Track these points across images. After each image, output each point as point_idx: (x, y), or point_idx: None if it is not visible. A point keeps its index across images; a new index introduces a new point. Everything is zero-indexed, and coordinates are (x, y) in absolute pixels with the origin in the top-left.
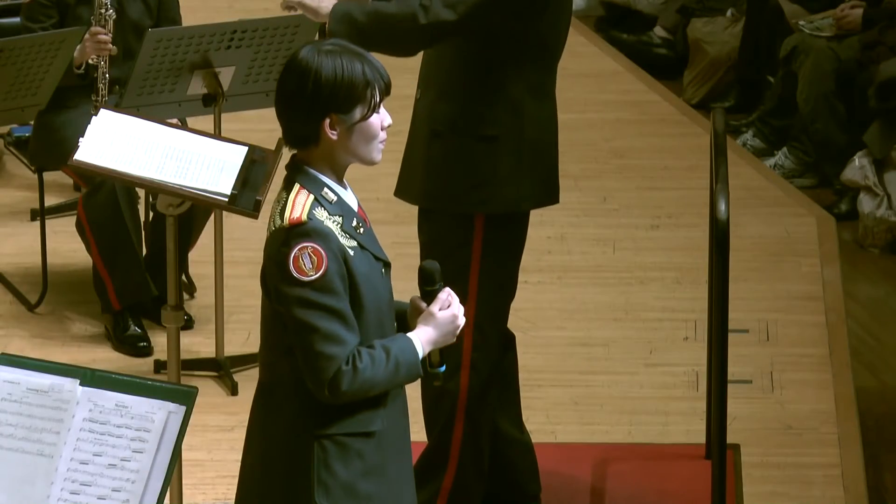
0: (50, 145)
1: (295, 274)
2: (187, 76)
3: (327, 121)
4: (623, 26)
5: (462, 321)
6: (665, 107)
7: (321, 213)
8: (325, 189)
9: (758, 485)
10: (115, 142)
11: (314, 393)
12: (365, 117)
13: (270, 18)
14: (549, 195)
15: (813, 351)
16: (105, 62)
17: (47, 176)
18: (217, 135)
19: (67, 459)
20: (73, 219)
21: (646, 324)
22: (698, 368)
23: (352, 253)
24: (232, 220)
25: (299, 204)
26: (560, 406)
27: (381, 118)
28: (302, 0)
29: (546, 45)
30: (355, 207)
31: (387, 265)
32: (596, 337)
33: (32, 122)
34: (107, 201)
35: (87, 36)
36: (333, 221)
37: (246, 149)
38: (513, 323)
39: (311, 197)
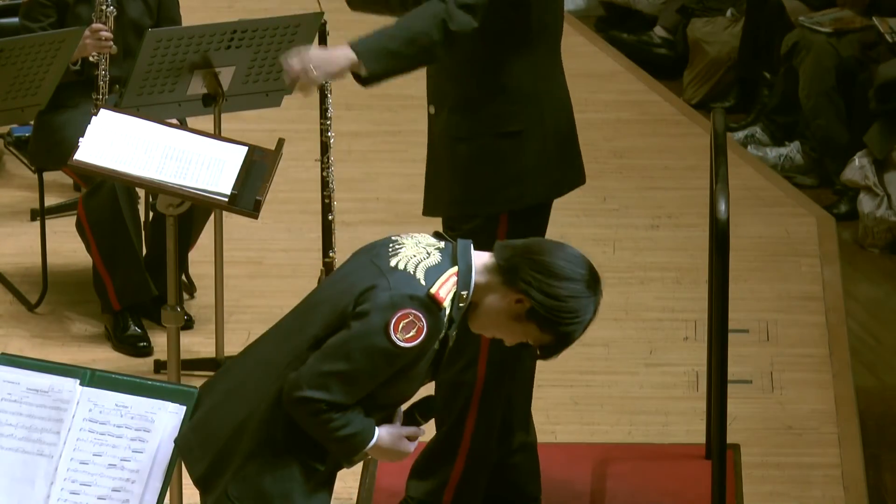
0: (50, 145)
1: (391, 324)
2: (187, 76)
3: (524, 306)
4: (623, 26)
5: (404, 459)
6: (665, 107)
7: (447, 308)
8: (466, 293)
9: (758, 485)
10: (115, 142)
11: (287, 386)
12: (539, 339)
13: (270, 18)
14: (578, 175)
15: (813, 351)
16: (105, 60)
17: (47, 176)
18: (217, 135)
19: (67, 459)
20: (73, 219)
21: (646, 324)
22: (698, 368)
23: (428, 354)
24: (232, 220)
25: (447, 287)
26: (560, 406)
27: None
28: (311, 63)
29: (546, 27)
30: (459, 322)
31: (434, 378)
32: (596, 337)
33: (32, 122)
34: (107, 201)
35: (87, 33)
36: (447, 321)
37: (246, 149)
38: None
39: (455, 290)
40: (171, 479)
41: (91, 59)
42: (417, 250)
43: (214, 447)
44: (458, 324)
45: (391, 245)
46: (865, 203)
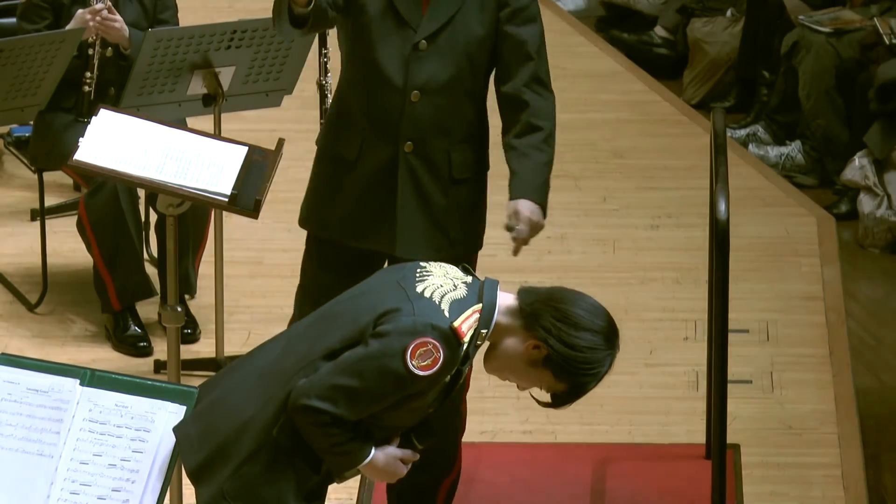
0: (50, 145)
1: (409, 350)
2: (187, 76)
3: (541, 352)
4: (623, 26)
5: (393, 480)
6: (665, 107)
7: (466, 342)
8: (486, 331)
9: (758, 485)
10: (115, 142)
11: (295, 392)
12: (553, 387)
13: (270, 18)
14: None
15: (813, 351)
16: (94, 66)
17: (47, 176)
18: (217, 135)
19: (67, 459)
20: (74, 219)
21: (646, 324)
22: (698, 368)
23: (440, 385)
24: (232, 220)
25: (469, 323)
26: None
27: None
28: (536, 216)
29: None
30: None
31: (436, 410)
32: None
33: (32, 123)
34: (108, 201)
35: (87, 16)
36: (461, 355)
37: (246, 149)
38: None
39: (476, 327)
40: (171, 479)
41: (90, 40)
42: (445, 281)
43: (214, 440)
44: (471, 361)
45: (419, 271)
46: (865, 203)
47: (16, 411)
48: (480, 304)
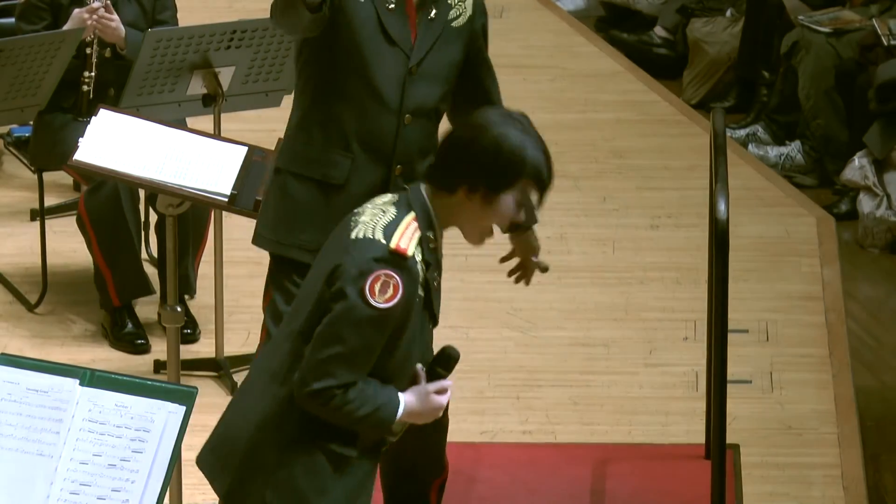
0: (50, 145)
1: (367, 290)
2: (187, 76)
3: (479, 188)
4: (623, 26)
5: (440, 414)
6: (665, 107)
7: (418, 254)
8: (431, 233)
9: (758, 485)
10: (115, 142)
11: (295, 386)
12: (517, 203)
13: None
14: None
15: (812, 351)
16: (93, 65)
17: (47, 176)
18: (217, 135)
19: (67, 459)
20: (73, 219)
21: (646, 324)
22: (698, 368)
23: (417, 301)
24: (232, 220)
25: (408, 236)
26: (560, 406)
27: (518, 214)
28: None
29: None
30: (440, 260)
31: (435, 324)
32: (596, 337)
33: (32, 122)
34: (109, 198)
35: (85, 15)
36: (422, 266)
37: (246, 149)
38: (513, 323)
39: (419, 234)
40: (170, 479)
41: (87, 39)
42: (373, 214)
43: (234, 463)
44: (438, 264)
45: (352, 220)
46: (865, 203)
47: (15, 411)
48: (413, 213)
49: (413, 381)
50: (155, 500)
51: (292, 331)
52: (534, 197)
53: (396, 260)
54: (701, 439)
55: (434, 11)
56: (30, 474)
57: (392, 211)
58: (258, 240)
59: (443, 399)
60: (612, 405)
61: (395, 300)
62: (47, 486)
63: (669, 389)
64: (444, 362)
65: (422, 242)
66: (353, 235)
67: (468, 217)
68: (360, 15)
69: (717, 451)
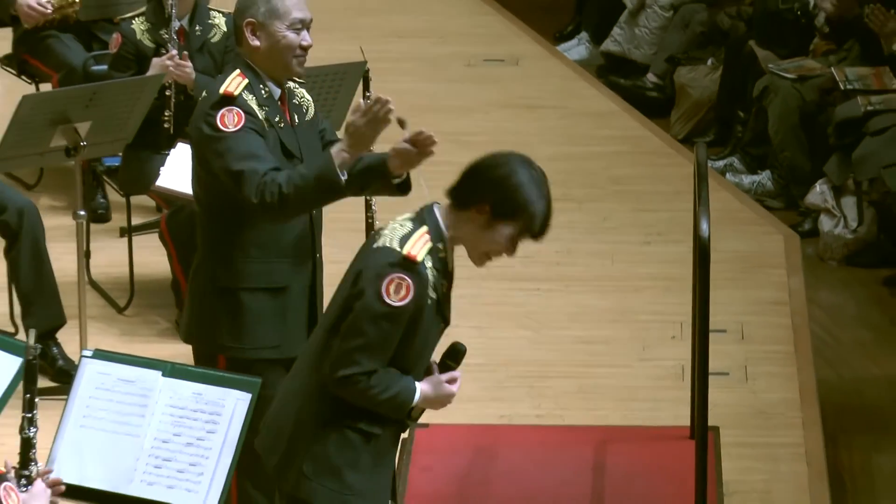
0: (136, 174)
1: (383, 291)
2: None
3: (485, 210)
4: (620, 73)
5: (452, 401)
6: (655, 141)
7: (429, 262)
8: (441, 244)
9: (734, 461)
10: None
11: (327, 375)
12: (517, 231)
13: (318, 67)
14: None
15: (781, 348)
16: (171, 109)
17: (134, 199)
18: None
19: (151, 438)
20: (156, 236)
21: (639, 325)
22: (684, 362)
23: (429, 303)
24: None
25: (419, 245)
26: (567, 394)
27: (508, 248)
28: None
29: None
30: (452, 268)
31: (446, 324)
32: (597, 336)
33: (121, 154)
34: (187, 220)
35: (166, 62)
36: (432, 272)
37: None
38: (527, 324)
39: (430, 245)
40: (238, 456)
41: (166, 83)
42: (393, 228)
43: (282, 442)
44: (447, 271)
45: (376, 235)
46: (825, 223)
47: (108, 398)
48: (425, 227)
49: (428, 372)
50: (225, 473)
51: (325, 327)
52: (524, 238)
53: (408, 264)
54: (686, 422)
55: (301, 118)
56: (120, 451)
57: (408, 225)
58: (215, 348)
59: (454, 388)
60: (612, 393)
61: (408, 299)
62: (134, 461)
63: (660, 380)
64: (454, 356)
65: (432, 252)
66: (375, 246)
67: (472, 235)
68: (268, 143)
69: (700, 432)
